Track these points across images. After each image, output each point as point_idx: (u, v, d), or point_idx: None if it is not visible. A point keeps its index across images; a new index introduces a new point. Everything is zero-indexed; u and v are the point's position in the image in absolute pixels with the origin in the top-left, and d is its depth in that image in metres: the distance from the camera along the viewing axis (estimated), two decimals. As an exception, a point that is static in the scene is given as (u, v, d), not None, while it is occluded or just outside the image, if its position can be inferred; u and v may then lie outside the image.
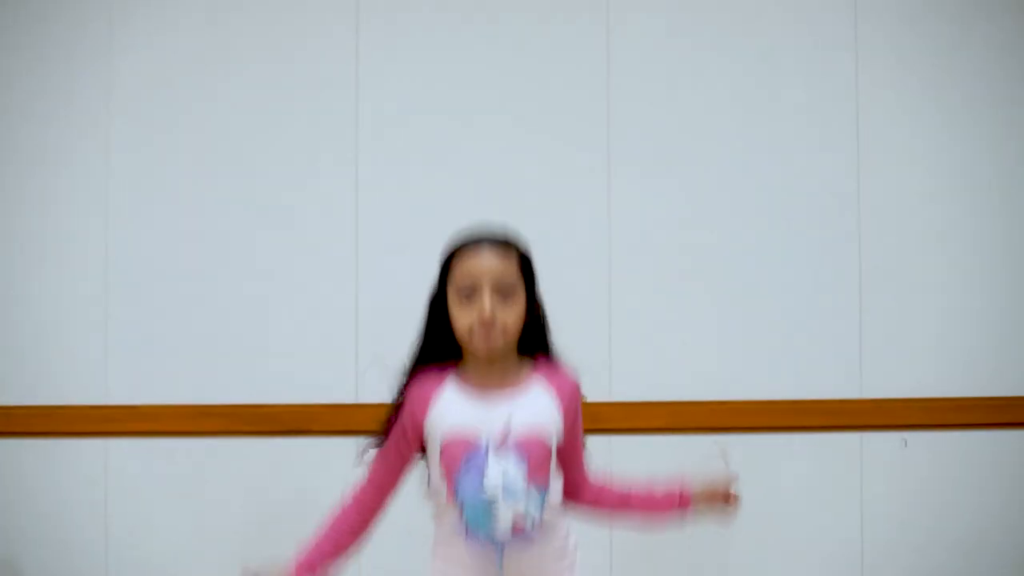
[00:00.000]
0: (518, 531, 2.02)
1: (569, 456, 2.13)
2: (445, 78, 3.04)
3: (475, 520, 2.02)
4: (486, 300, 2.00)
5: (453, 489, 2.03)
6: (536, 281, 2.10)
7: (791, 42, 3.02)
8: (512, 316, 2.03)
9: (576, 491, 2.16)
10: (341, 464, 2.96)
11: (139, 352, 3.00)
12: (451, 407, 2.06)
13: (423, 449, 2.11)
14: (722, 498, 2.13)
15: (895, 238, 2.99)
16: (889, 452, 2.96)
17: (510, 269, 2.03)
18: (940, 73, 3.02)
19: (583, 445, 2.16)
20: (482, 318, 2.00)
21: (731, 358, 2.95)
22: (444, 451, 2.04)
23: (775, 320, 2.98)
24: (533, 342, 2.12)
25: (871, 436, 2.96)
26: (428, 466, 2.11)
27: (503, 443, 2.02)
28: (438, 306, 2.08)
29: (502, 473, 2.01)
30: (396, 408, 2.11)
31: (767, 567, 2.95)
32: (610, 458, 2.92)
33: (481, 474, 2.01)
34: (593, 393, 2.80)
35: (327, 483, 2.97)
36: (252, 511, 2.99)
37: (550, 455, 2.05)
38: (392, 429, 2.11)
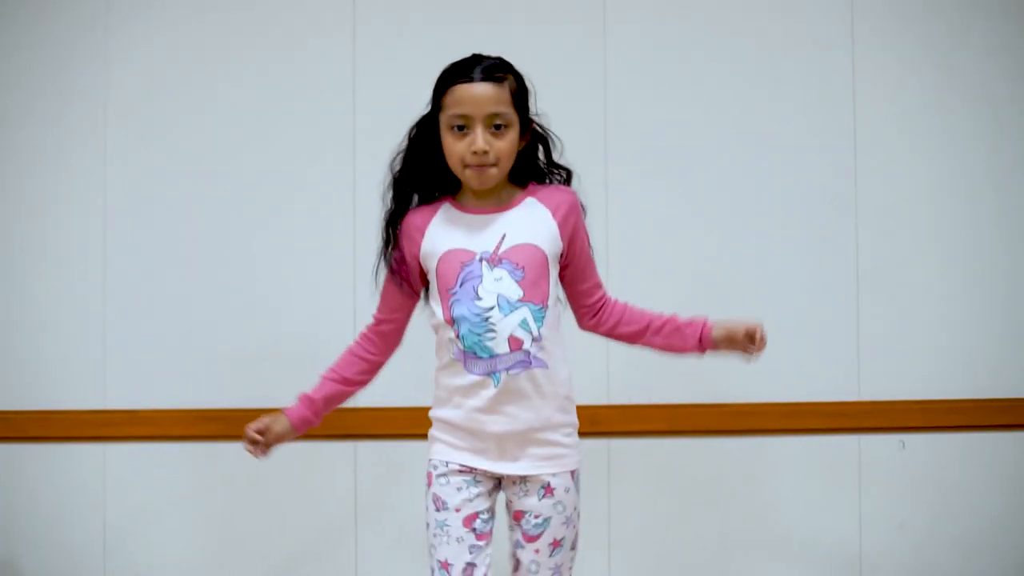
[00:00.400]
0: (516, 346, 2.01)
1: (580, 271, 2.13)
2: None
3: (473, 337, 2.02)
4: (479, 134, 2.02)
5: (450, 307, 2.04)
6: (530, 106, 2.11)
7: (788, 43, 3.02)
8: (506, 146, 2.04)
9: (596, 311, 2.15)
10: (340, 467, 2.98)
11: (137, 356, 3.00)
12: (445, 230, 2.09)
13: (426, 283, 2.13)
14: (746, 340, 2.11)
15: (893, 239, 2.99)
16: (887, 454, 2.95)
17: (503, 99, 2.04)
18: (938, 74, 3.01)
19: (592, 260, 2.16)
20: (475, 151, 2.01)
21: (728, 360, 2.94)
22: (439, 270, 2.06)
23: (773, 322, 2.94)
24: (529, 168, 2.14)
25: (869, 438, 2.95)
26: (428, 296, 2.12)
27: (496, 253, 2.03)
28: (428, 131, 2.10)
29: (496, 282, 2.02)
30: (389, 244, 2.14)
31: (765, 569, 2.95)
32: (608, 460, 2.94)
33: (476, 285, 2.02)
34: (591, 396, 2.82)
35: (326, 487, 2.99)
36: (251, 515, 2.99)
37: (547, 268, 2.05)
38: (390, 266, 2.14)
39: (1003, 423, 2.93)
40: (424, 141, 2.11)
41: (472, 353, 2.03)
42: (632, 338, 2.17)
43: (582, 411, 2.18)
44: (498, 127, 2.03)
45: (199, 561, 2.98)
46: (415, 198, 2.14)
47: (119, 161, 3.04)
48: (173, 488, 2.99)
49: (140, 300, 3.01)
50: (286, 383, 2.98)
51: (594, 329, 2.19)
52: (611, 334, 2.18)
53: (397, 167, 2.14)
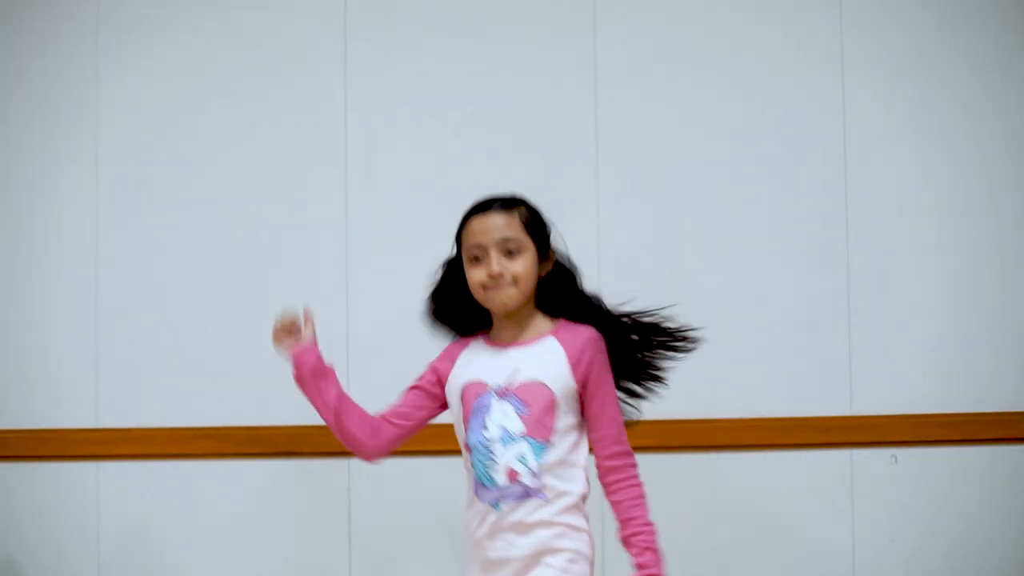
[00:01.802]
0: (513, 478, 2.09)
1: (594, 416, 2.15)
2: (432, 92, 3.05)
3: (480, 465, 2.12)
4: (493, 259, 2.13)
5: (466, 435, 2.15)
6: (548, 235, 2.22)
7: (778, 55, 3.02)
8: (520, 267, 2.15)
9: (603, 471, 2.15)
10: (332, 485, 2.98)
11: (130, 375, 3.00)
12: (470, 362, 2.21)
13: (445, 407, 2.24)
14: None
15: (884, 253, 2.99)
16: (879, 468, 2.95)
17: (514, 225, 2.16)
18: (929, 86, 3.02)
19: (610, 407, 2.17)
20: (489, 272, 2.13)
21: (720, 375, 2.95)
22: (462, 399, 2.17)
23: (764, 337, 2.98)
24: (557, 297, 2.23)
25: (861, 452, 2.95)
26: (455, 424, 2.22)
27: (506, 388, 2.13)
28: (455, 273, 2.22)
29: (502, 415, 2.12)
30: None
31: (759, 584, 2.96)
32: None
33: (485, 416, 2.12)
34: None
35: (318, 504, 2.99)
36: (245, 533, 2.99)
37: (553, 406, 2.12)
38: (426, 373, 2.25)
39: (994, 437, 2.94)
40: (453, 282, 2.23)
41: (480, 481, 2.12)
42: (615, 511, 2.18)
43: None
44: (511, 252, 2.15)
45: (193, 579, 2.98)
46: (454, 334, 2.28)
47: (109, 180, 3.05)
48: (167, 506, 2.99)
49: (132, 319, 3.01)
50: (277, 400, 3.00)
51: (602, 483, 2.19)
52: (606, 488, 2.17)
53: (428, 305, 2.27)
